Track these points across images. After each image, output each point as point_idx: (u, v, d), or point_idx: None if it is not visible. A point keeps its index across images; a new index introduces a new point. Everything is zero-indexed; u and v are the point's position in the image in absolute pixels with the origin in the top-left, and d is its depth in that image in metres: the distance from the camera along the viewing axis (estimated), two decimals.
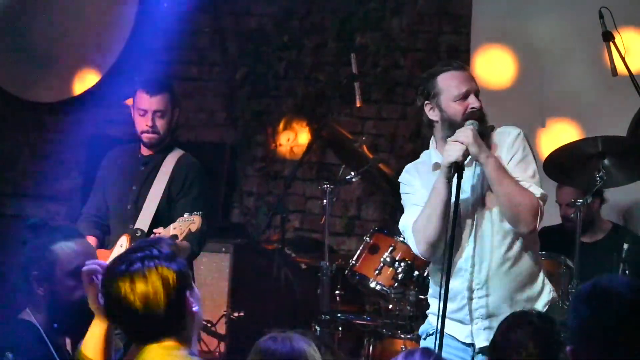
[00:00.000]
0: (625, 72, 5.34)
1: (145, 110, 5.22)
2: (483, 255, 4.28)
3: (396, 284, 5.78)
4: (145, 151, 5.33)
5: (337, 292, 6.28)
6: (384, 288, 5.80)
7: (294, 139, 7.83)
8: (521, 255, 4.30)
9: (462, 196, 4.20)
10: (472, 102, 4.25)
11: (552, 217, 6.15)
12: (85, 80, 8.27)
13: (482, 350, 4.30)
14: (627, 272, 5.61)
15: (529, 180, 4.26)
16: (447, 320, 4.24)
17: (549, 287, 4.37)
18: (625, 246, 5.66)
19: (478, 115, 4.24)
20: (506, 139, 4.30)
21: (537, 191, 4.25)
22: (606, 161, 5.42)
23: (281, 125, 7.86)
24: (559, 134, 6.69)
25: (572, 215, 5.77)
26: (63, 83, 8.31)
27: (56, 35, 8.25)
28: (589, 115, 6.73)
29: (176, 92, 5.38)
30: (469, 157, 4.19)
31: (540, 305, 4.29)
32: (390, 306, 6.00)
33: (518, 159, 4.28)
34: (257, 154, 7.98)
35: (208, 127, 8.12)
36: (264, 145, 7.96)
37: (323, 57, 7.78)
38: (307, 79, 7.80)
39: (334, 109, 7.52)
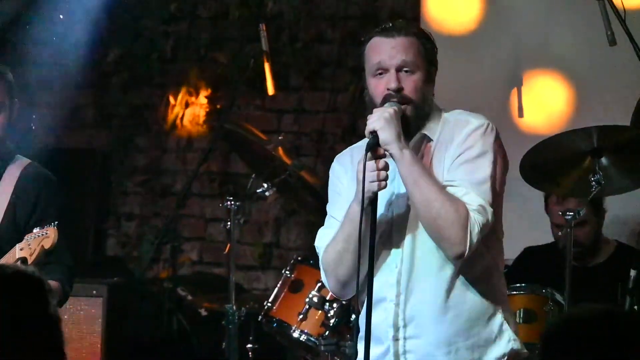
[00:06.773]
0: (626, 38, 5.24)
1: None
2: (414, 283, 4.12)
3: (327, 332, 5.82)
4: None
5: (248, 345, 6.39)
6: (311, 338, 5.85)
7: (187, 141, 7.86)
8: (470, 286, 4.12)
9: (393, 199, 4.17)
10: (388, 80, 4.14)
11: (543, 235, 6.26)
12: None
13: None
14: (635, 307, 5.57)
15: (472, 186, 4.05)
16: None
17: (509, 334, 4.17)
18: (633, 273, 5.58)
19: (398, 100, 4.12)
20: (462, 130, 4.14)
21: (475, 201, 4.02)
22: (604, 160, 5.36)
23: (169, 124, 7.86)
24: (540, 111, 6.92)
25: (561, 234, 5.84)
26: None
27: None
28: (581, 99, 6.78)
29: (10, 79, 5.26)
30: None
31: (492, 358, 4.12)
32: None
33: (468, 157, 4.10)
34: (138, 163, 7.99)
35: (71, 129, 8.03)
36: (147, 152, 7.97)
37: (223, 30, 7.76)
38: (202, 61, 7.82)
39: (239, 100, 7.52)
